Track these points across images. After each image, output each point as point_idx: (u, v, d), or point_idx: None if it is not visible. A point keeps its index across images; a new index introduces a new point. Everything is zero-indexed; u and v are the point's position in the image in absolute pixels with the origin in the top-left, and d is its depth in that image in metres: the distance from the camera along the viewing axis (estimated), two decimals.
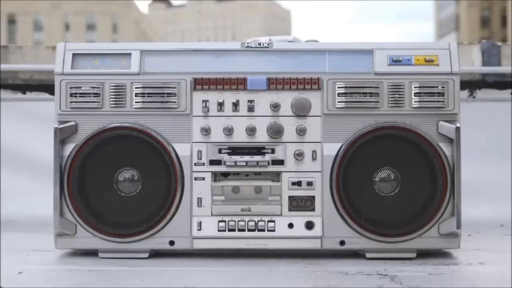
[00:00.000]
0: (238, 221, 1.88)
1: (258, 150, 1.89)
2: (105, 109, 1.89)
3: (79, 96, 1.90)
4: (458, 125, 1.86)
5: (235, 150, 1.89)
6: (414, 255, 1.88)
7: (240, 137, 1.89)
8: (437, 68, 1.89)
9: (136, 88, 1.89)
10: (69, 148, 1.88)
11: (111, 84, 1.89)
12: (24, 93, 2.87)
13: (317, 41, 1.97)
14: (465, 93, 2.74)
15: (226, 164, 1.88)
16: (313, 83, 1.88)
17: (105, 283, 1.64)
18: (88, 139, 1.87)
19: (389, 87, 1.89)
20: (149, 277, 1.70)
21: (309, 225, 1.88)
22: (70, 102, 1.89)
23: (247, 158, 1.87)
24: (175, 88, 1.89)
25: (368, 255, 1.88)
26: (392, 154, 1.87)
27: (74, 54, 1.92)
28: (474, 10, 39.53)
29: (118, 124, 1.88)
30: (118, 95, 1.89)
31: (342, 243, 1.88)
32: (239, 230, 1.88)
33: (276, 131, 1.88)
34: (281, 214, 1.88)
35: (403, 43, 1.93)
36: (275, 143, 1.89)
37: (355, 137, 1.86)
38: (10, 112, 2.82)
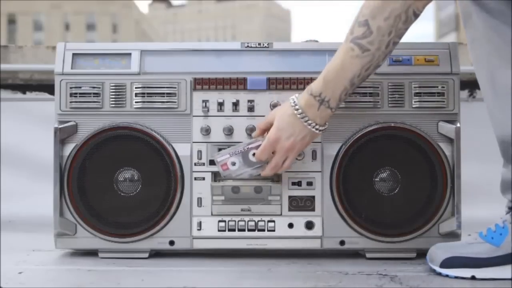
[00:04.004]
0: (238, 221, 1.88)
1: None
2: (105, 109, 1.89)
3: (79, 96, 1.90)
4: (458, 125, 1.86)
5: None
6: (414, 255, 1.88)
7: (240, 137, 1.89)
8: (437, 68, 1.89)
9: (136, 88, 1.89)
10: (69, 148, 1.88)
11: (111, 84, 1.90)
12: (24, 93, 2.87)
13: (317, 41, 1.97)
14: (465, 93, 2.74)
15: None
16: None
17: (105, 283, 1.64)
18: (88, 139, 1.87)
19: (389, 87, 1.89)
20: (149, 277, 1.70)
21: (309, 225, 1.88)
22: (70, 102, 1.89)
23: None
24: (175, 88, 1.89)
25: (368, 255, 1.88)
26: (392, 154, 1.87)
27: (74, 54, 1.92)
28: None
29: (118, 124, 1.88)
30: (118, 95, 1.89)
31: (342, 243, 1.88)
32: (239, 230, 1.88)
33: None
34: (281, 214, 1.89)
35: (403, 43, 1.91)
36: None
37: (355, 137, 1.87)
38: (10, 112, 2.81)
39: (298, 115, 1.70)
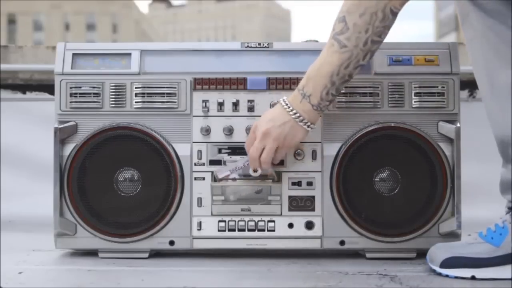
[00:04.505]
0: (238, 221, 1.88)
1: None
2: (105, 109, 1.89)
3: (79, 96, 1.90)
4: (458, 125, 1.86)
5: (235, 150, 1.89)
6: (414, 255, 1.88)
7: (240, 137, 1.89)
8: (437, 68, 1.89)
9: (136, 88, 1.89)
10: (69, 148, 1.88)
11: (111, 84, 1.90)
12: (24, 93, 2.87)
13: (317, 41, 1.97)
14: (465, 93, 2.74)
15: (226, 164, 1.88)
16: None
17: (105, 283, 1.64)
18: (88, 139, 1.87)
19: (389, 87, 1.89)
20: (149, 277, 1.70)
21: (309, 225, 1.88)
22: (70, 102, 1.89)
23: (247, 158, 1.86)
24: (175, 88, 1.89)
25: (368, 255, 1.88)
26: (392, 154, 1.87)
27: (74, 54, 1.92)
28: None
29: (118, 124, 1.88)
30: (118, 95, 1.89)
31: (342, 243, 1.88)
32: (239, 230, 1.88)
33: None
34: (281, 214, 1.89)
35: (403, 43, 1.93)
36: None
37: (355, 137, 1.87)
38: (10, 112, 2.82)
39: (282, 102, 1.74)
